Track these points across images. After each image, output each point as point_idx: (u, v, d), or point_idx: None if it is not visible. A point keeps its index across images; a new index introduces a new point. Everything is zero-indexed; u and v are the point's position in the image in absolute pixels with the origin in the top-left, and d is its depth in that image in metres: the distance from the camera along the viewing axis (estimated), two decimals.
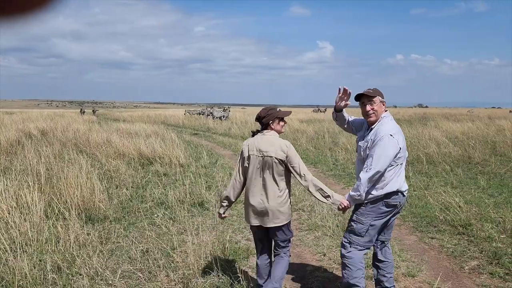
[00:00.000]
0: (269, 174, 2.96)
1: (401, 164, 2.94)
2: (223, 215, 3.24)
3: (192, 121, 27.53)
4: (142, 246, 4.51)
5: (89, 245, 4.41)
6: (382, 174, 2.86)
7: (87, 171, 6.87)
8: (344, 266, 2.97)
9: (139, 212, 5.93)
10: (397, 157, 2.88)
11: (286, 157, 2.95)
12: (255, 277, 3.40)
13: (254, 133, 3.12)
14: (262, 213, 3.00)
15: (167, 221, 5.39)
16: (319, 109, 42.69)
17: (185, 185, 6.82)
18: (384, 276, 3.20)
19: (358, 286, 2.92)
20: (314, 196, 2.99)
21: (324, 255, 4.52)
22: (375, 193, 2.91)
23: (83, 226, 4.90)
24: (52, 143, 11.50)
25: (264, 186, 2.97)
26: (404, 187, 2.99)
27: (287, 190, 3.01)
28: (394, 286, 3.24)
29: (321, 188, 2.99)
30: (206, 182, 7.95)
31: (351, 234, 3.01)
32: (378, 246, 3.19)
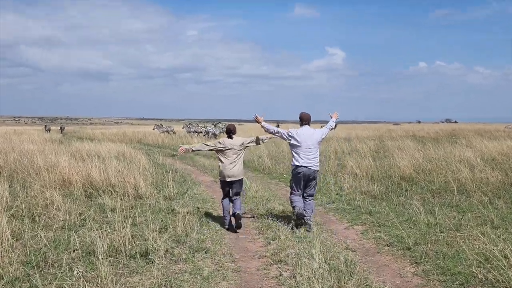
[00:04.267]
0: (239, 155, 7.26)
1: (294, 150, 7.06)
2: (184, 150, 7.33)
3: (175, 140, 26.92)
4: None
5: None
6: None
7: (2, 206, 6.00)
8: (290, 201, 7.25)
9: (53, 268, 4.93)
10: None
11: (241, 144, 7.24)
12: None
13: (229, 136, 7.27)
14: (233, 176, 7.12)
15: (85, 284, 4.36)
16: None
17: (125, 227, 5.81)
18: (306, 211, 7.05)
19: (295, 205, 7.00)
20: (262, 141, 7.52)
21: None
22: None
23: None
24: None
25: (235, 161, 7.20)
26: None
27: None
28: (311, 222, 6.97)
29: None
30: (162, 221, 7.17)
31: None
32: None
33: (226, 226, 7.11)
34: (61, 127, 42.43)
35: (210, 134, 27.94)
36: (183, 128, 34.01)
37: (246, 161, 15.69)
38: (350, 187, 9.97)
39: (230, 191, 7.28)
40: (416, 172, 10.82)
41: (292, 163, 7.10)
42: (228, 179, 7.11)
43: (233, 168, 7.10)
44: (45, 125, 42.90)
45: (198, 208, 8.23)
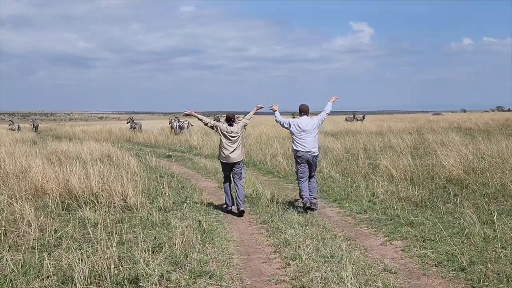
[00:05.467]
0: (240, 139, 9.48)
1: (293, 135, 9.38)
2: (191, 112, 9.66)
3: (170, 138, 27.14)
4: None
5: None
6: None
7: None
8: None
9: None
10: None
11: (242, 128, 9.49)
12: None
13: (229, 124, 9.32)
14: (234, 158, 9.29)
15: None
16: (354, 117, 42.22)
17: (111, 246, 5.68)
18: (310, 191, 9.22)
19: (303, 194, 9.17)
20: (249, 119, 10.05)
21: None
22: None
23: None
24: None
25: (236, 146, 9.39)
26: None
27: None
28: (316, 197, 9.38)
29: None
30: (156, 238, 7.06)
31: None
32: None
33: (228, 209, 9.42)
34: (33, 124, 42.12)
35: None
36: (169, 123, 34.93)
37: (257, 161, 15.70)
38: (385, 192, 9.87)
39: (231, 174, 9.48)
40: (465, 172, 10.73)
41: (292, 148, 9.49)
42: (229, 161, 9.27)
43: (234, 151, 9.27)
44: (10, 121, 42.46)
45: (199, 221, 8.12)
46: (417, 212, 8.38)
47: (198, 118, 9.64)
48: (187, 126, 31.11)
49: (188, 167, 16.41)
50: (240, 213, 9.08)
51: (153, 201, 9.70)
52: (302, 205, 9.23)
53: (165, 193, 9.74)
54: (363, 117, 41.64)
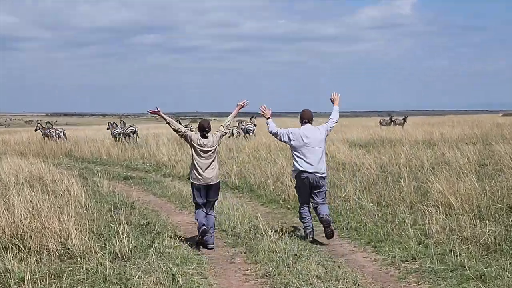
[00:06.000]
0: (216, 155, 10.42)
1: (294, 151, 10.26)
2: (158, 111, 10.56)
3: (129, 151, 27.41)
4: None
5: None
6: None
7: None
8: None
9: None
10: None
11: (218, 140, 10.31)
12: None
13: (202, 135, 10.10)
14: (210, 178, 10.18)
15: None
16: (391, 119, 42.24)
17: None
18: (323, 215, 10.07)
19: (304, 221, 10.41)
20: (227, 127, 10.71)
21: None
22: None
23: None
24: None
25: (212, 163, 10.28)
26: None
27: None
28: (330, 219, 10.19)
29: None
30: None
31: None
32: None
33: (197, 241, 10.18)
34: None
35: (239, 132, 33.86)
36: (107, 129, 37.92)
37: (254, 185, 15.74)
38: (442, 230, 9.85)
39: (204, 200, 10.26)
40: None
41: (293, 168, 10.42)
42: (203, 183, 10.07)
43: (208, 170, 10.07)
44: (38, 124, 41.34)
45: (173, 274, 8.01)
46: (490, 260, 8.31)
47: (166, 120, 10.46)
48: (133, 134, 34.17)
49: (156, 193, 16.29)
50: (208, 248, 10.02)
51: (105, 244, 9.46)
52: (304, 234, 10.34)
53: (122, 232, 9.58)
54: (404, 120, 41.68)
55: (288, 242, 9.74)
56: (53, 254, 8.92)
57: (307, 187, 10.07)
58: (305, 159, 9.92)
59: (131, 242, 9.53)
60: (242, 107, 10.84)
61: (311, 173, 9.90)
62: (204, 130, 9.99)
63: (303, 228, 10.30)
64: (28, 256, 8.62)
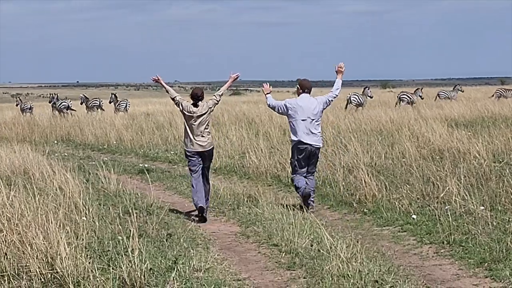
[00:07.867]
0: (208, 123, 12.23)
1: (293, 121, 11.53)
2: (158, 79, 12.28)
3: (146, 135, 25.32)
4: None
5: None
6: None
7: None
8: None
9: None
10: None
11: (209, 109, 11.87)
12: None
13: (194, 103, 11.56)
14: (203, 146, 11.77)
15: None
16: (506, 89, 42.98)
17: None
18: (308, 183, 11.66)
19: (299, 185, 11.47)
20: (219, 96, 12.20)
21: None
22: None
23: None
24: None
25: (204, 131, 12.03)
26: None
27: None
28: (313, 202, 11.74)
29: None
30: None
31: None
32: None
33: (196, 214, 11.33)
34: None
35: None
36: (49, 102, 39.84)
37: (317, 180, 14.28)
38: None
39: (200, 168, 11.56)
40: None
41: (290, 138, 11.59)
42: (195, 149, 11.25)
43: (202, 138, 11.23)
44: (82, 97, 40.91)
45: None
46: None
47: (165, 89, 12.27)
48: (67, 109, 35.23)
49: (182, 193, 14.41)
50: (202, 218, 11.20)
51: (109, 266, 8.16)
52: (300, 199, 11.51)
53: (133, 249, 8.20)
54: (451, 94, 42.77)
55: (365, 263, 8.22)
56: (35, 280, 7.73)
57: (302, 156, 11.22)
58: (302, 129, 11.09)
59: (145, 263, 8.04)
60: (235, 79, 12.11)
61: (309, 144, 11.09)
62: (197, 98, 11.30)
63: (298, 192, 11.40)
64: (1, 282, 7.84)
